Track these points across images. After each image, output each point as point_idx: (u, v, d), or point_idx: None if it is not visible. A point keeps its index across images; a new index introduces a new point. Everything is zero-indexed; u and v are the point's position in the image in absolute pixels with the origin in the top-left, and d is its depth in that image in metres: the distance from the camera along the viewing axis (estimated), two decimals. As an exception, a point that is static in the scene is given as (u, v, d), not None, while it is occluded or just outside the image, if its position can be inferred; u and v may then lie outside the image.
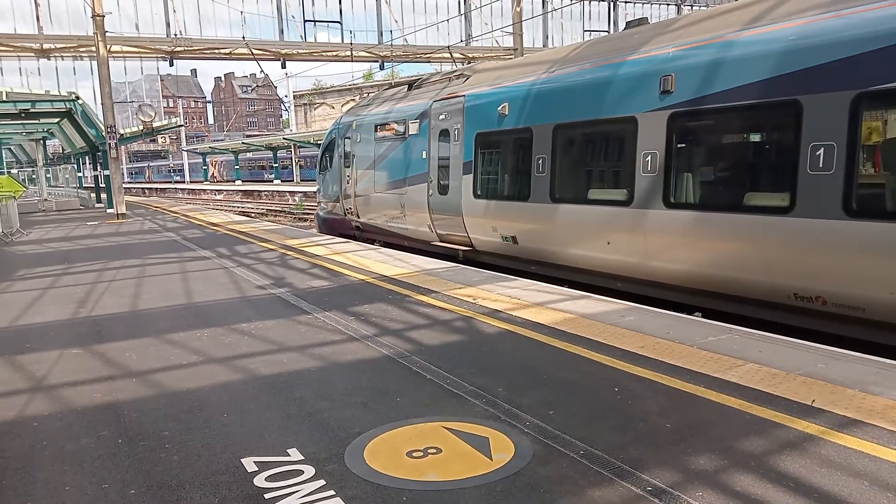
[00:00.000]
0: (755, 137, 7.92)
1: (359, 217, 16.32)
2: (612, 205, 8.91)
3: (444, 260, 11.86)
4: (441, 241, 13.19)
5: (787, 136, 6.98)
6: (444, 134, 12.78)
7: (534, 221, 10.45)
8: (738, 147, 8.09)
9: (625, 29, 10.91)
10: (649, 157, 8.32)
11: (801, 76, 6.74)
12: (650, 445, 3.96)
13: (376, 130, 15.33)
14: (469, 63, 29.80)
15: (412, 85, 15.42)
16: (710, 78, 7.67)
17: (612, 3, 35.44)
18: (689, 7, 35.43)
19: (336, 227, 17.59)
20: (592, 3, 35.04)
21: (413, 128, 13.82)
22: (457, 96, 12.57)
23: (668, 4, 36.41)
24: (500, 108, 11.16)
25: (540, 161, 10.23)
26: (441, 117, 12.90)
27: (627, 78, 8.79)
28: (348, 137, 16.80)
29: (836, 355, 5.50)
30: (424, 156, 13.38)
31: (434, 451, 4.02)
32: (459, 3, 32.25)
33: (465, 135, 12.08)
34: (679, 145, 8.12)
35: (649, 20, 10.61)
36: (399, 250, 13.39)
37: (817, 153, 6.52)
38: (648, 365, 5.39)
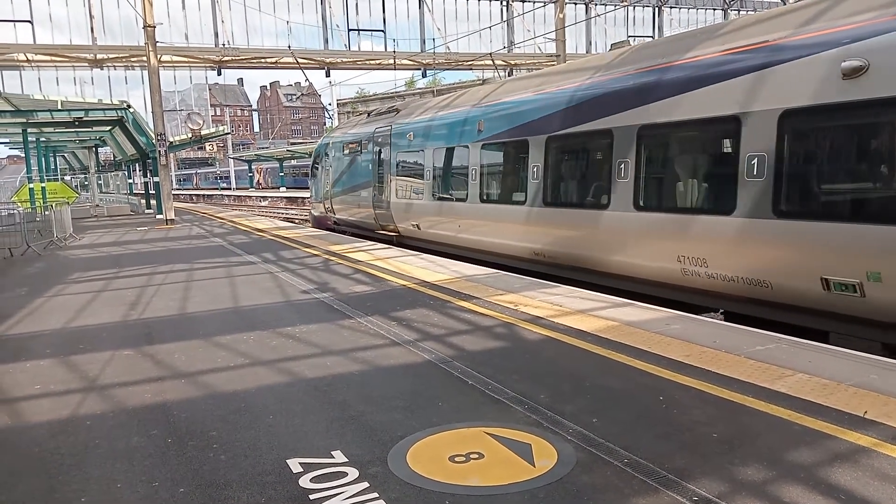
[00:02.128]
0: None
1: (335, 214, 21.11)
2: (460, 201, 13.60)
3: (385, 244, 15.78)
4: (381, 230, 17.69)
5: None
6: (380, 153, 17.53)
7: (426, 213, 14.98)
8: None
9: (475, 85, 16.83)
10: (475, 169, 13.06)
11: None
12: (696, 455, 3.91)
13: (344, 148, 20.38)
14: (510, 70, 29.78)
15: (370, 114, 20.42)
16: (498, 121, 12.47)
17: (656, 9, 35.08)
18: (736, 12, 34.86)
19: (322, 222, 22.43)
20: (637, 8, 34.72)
21: (364, 147, 18.71)
22: (387, 126, 17.38)
23: (714, 9, 35.90)
24: (408, 135, 16.02)
25: (427, 172, 14.91)
26: (379, 140, 17.70)
27: (463, 122, 13.63)
28: (327, 154, 21.83)
29: (890, 366, 5.35)
30: (370, 168, 18.06)
31: (476, 456, 4.03)
32: (502, 10, 32.30)
33: (391, 154, 16.84)
34: (484, 163, 12.95)
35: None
36: (359, 238, 17.50)
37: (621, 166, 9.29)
38: (694, 374, 5.31)
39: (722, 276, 7.94)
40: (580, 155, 10.69)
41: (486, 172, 12.85)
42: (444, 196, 14.26)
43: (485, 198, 12.80)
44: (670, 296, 8.69)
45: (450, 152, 14.11)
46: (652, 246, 8.87)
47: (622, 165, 9.18)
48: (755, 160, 7.37)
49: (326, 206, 21.57)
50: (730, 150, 7.86)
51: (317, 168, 22.91)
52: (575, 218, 10.30)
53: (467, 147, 13.22)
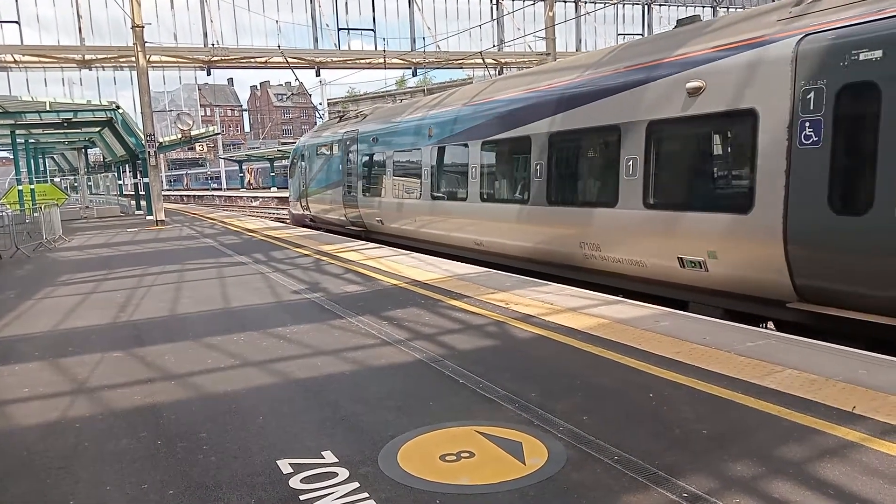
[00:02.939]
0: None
1: (311, 211, 22.31)
2: (416, 199, 15.05)
3: (357, 239, 17.17)
4: (350, 226, 19.06)
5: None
6: (348, 154, 18.99)
7: (389, 210, 16.57)
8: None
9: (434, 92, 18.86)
10: (428, 170, 14.55)
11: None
12: (686, 452, 3.92)
13: (317, 150, 21.78)
14: (500, 69, 29.79)
15: (342, 118, 21.98)
16: (444, 126, 14.14)
17: (646, 6, 35.15)
18: (726, 9, 34.97)
19: (300, 219, 23.72)
20: (626, 6, 34.79)
21: (335, 149, 20.10)
22: (354, 130, 18.90)
23: (703, 7, 35.99)
24: (372, 139, 17.67)
25: (388, 172, 16.57)
26: (347, 143, 19.15)
27: (417, 127, 15.32)
28: (302, 155, 23.18)
29: (878, 361, 5.38)
30: (340, 168, 19.44)
31: (467, 455, 4.03)
32: (492, 8, 32.29)
33: (357, 156, 18.39)
34: (435, 164, 14.37)
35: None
36: (333, 233, 18.92)
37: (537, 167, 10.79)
38: (684, 370, 5.33)
39: (612, 259, 9.51)
40: (507, 156, 12.26)
41: (437, 172, 14.31)
42: (404, 194, 15.81)
43: (437, 195, 14.23)
44: (575, 276, 10.31)
45: (406, 154, 15.76)
46: (561, 233, 10.49)
47: (538, 166, 10.81)
48: (631, 162, 9.00)
49: (303, 205, 22.93)
50: (615, 154, 9.32)
51: (294, 169, 24.40)
52: (505, 212, 11.85)
53: (420, 150, 14.89)
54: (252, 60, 28.43)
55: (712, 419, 4.36)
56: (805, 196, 6.93)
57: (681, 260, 8.35)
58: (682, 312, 7.50)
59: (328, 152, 20.64)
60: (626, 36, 33.24)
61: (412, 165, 15.36)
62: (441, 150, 14.16)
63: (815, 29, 7.02)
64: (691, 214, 8.17)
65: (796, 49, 7.07)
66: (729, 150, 8.42)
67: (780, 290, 7.34)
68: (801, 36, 7.10)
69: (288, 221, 27.13)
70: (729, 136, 8.28)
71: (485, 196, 12.54)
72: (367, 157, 17.92)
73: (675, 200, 8.56)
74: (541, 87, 11.28)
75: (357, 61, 29.37)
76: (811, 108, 6.93)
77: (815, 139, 6.90)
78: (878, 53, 6.41)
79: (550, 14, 29.68)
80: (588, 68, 10.35)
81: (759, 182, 7.38)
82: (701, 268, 8.11)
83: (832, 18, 6.96)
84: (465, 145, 13.06)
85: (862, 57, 6.55)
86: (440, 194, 14.14)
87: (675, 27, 9.75)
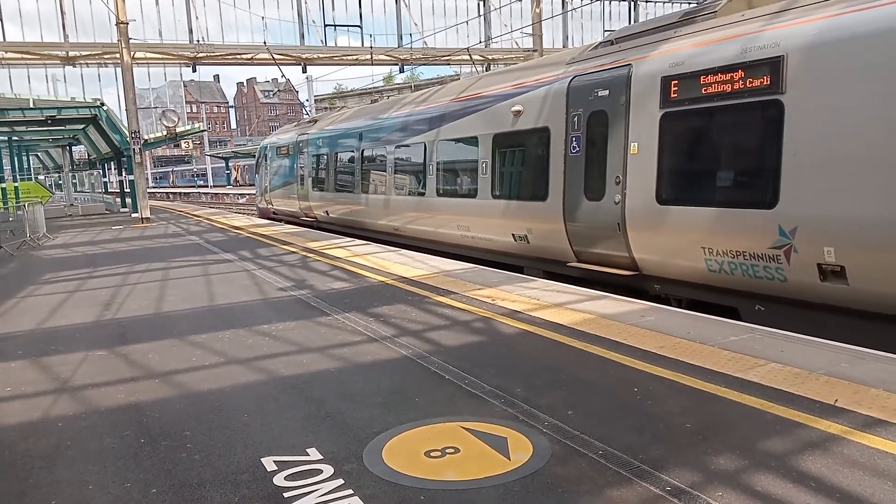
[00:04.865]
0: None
1: (273, 206, 24.99)
2: (352, 192, 17.90)
3: (305, 227, 20.02)
4: (304, 217, 21.83)
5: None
6: (302, 155, 21.73)
7: (334, 203, 19.35)
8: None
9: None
10: (359, 168, 17.52)
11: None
12: (670, 445, 3.94)
13: (278, 151, 24.53)
14: (487, 64, 29.78)
15: (298, 123, 25.38)
16: (372, 133, 17.05)
17: (632, 3, 35.23)
18: (711, 5, 35.03)
19: (265, 212, 26.29)
20: (613, 2, 34.84)
21: (290, 150, 22.86)
22: (306, 133, 21.76)
23: (689, 4, 36.08)
24: (319, 141, 20.50)
25: (332, 171, 19.40)
26: (300, 145, 21.99)
27: (352, 134, 18.21)
28: (265, 155, 25.94)
29: (860, 354, 5.42)
30: (296, 167, 22.24)
31: (452, 450, 4.03)
32: (479, 4, 32.23)
33: (308, 157, 21.22)
34: (365, 163, 17.33)
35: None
36: (294, 225, 20.95)
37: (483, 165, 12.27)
38: (668, 365, 5.35)
39: (481, 238, 12.25)
40: (413, 158, 14.77)
41: (365, 170, 17.27)
42: (344, 189, 18.68)
43: (365, 190, 17.18)
44: (457, 251, 12.86)
45: (344, 156, 18.79)
46: (447, 219, 13.20)
47: (430, 166, 13.77)
48: (484, 163, 11.96)
49: (267, 199, 25.79)
50: (475, 156, 12.19)
51: (258, 167, 27.34)
52: (413, 202, 14.70)
53: (354, 153, 18.05)
54: (238, 57, 28.23)
55: (696, 413, 4.39)
56: (573, 188, 9.75)
57: (514, 235, 11.23)
58: (665, 307, 7.55)
59: (286, 153, 23.45)
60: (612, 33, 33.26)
61: (349, 165, 18.28)
62: (370, 153, 16.99)
63: (579, 73, 9.87)
64: (517, 202, 11.12)
65: (568, 87, 9.94)
66: (537, 155, 10.64)
67: (566, 254, 10.12)
68: (572, 78, 9.94)
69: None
70: (536, 145, 10.66)
71: (399, 190, 15.33)
72: (315, 158, 20.75)
73: (509, 192, 11.45)
74: (431, 105, 14.41)
75: (344, 58, 29.24)
76: (575, 127, 9.75)
77: (577, 149, 9.71)
78: (607, 91, 9.21)
79: (537, 10, 29.69)
80: (462, 91, 13.53)
81: (550, 178, 10.19)
82: (526, 241, 10.98)
83: (587, 66, 9.79)
84: (385, 149, 16.06)
85: (599, 94, 9.36)
86: (369, 189, 16.92)
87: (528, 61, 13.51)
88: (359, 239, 15.76)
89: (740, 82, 7.38)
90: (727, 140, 7.89)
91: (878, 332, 6.28)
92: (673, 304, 8.31)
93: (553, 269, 10.50)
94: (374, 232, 16.85)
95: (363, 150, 17.35)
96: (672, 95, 8.22)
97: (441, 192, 13.42)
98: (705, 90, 7.77)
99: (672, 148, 8.32)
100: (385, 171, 15.93)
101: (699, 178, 8.17)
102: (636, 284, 9.00)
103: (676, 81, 8.16)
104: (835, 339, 5.89)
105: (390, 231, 15.89)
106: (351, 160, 18.15)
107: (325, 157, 19.98)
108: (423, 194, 14.03)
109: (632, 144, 8.73)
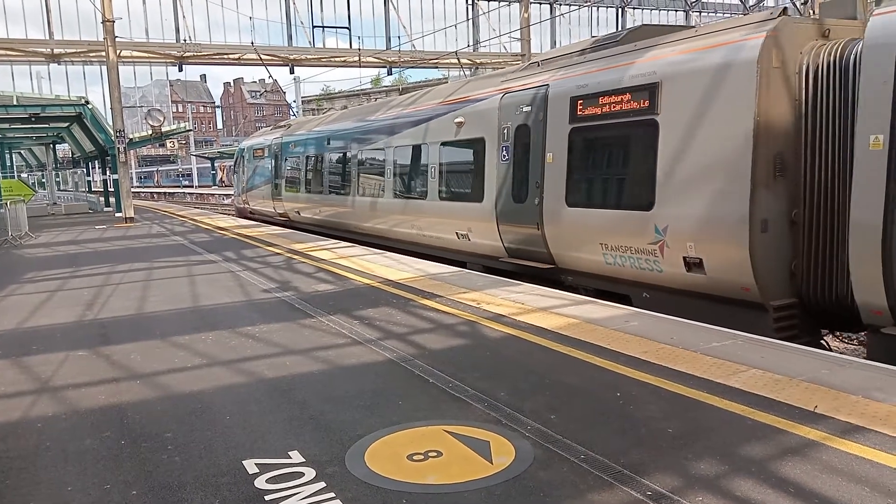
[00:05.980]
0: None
1: (250, 205, 25.98)
2: (319, 194, 19.09)
3: (284, 227, 20.35)
4: (278, 216, 22.90)
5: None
6: (276, 158, 22.80)
7: (304, 203, 20.39)
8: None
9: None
10: (326, 170, 18.73)
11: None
12: (651, 450, 3.96)
13: (254, 153, 25.42)
14: (475, 69, 29.83)
15: (274, 126, 26.05)
16: (338, 139, 18.46)
17: (620, 9, 35.44)
18: (698, 14, 35.37)
19: (242, 212, 27.23)
20: (601, 8, 35.03)
21: (267, 153, 23.87)
22: (280, 137, 22.83)
23: (676, 10, 36.38)
24: (291, 145, 21.57)
25: (302, 173, 20.54)
26: (275, 148, 23.02)
27: (320, 138, 19.43)
28: (243, 157, 26.73)
29: (840, 361, 5.48)
30: (271, 169, 23.29)
31: (435, 454, 4.03)
32: (467, 8, 32.31)
33: (281, 159, 22.35)
34: (331, 167, 18.48)
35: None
36: (271, 225, 21.62)
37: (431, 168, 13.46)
38: (651, 370, 5.38)
39: (431, 236, 13.35)
40: (374, 163, 15.97)
41: (331, 172, 18.43)
42: (312, 190, 19.76)
43: (330, 192, 18.38)
44: (412, 248, 14.00)
45: (313, 159, 19.82)
46: (403, 219, 14.33)
47: (388, 171, 15.03)
48: (433, 168, 13.13)
49: (244, 199, 26.77)
50: (424, 161, 13.46)
51: (237, 168, 28.29)
52: (372, 204, 15.83)
53: (322, 156, 19.13)
54: (225, 57, 28.14)
55: (678, 418, 4.41)
56: (501, 191, 11.06)
57: (457, 234, 12.41)
58: (649, 312, 7.59)
59: (262, 155, 24.55)
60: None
61: (318, 168, 19.40)
62: (336, 157, 18.14)
63: (508, 90, 11.15)
64: (460, 204, 12.34)
65: (500, 102, 11.24)
66: (476, 161, 11.88)
67: (499, 250, 11.38)
68: (503, 94, 11.23)
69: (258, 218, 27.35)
70: (475, 153, 11.92)
71: (362, 192, 16.43)
72: (287, 160, 22.01)
73: (453, 195, 12.69)
74: (389, 114, 15.66)
75: (332, 59, 29.21)
76: (505, 138, 11.04)
77: (507, 157, 11.00)
78: (530, 108, 10.47)
79: (525, 15, 29.80)
80: (413, 102, 14.87)
81: (486, 182, 11.45)
82: (467, 239, 12.15)
83: (516, 85, 11.05)
84: (346, 154, 17.43)
85: (524, 109, 10.63)
86: (335, 191, 18.08)
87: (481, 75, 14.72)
88: (329, 238, 16.51)
89: (628, 103, 8.72)
90: (618, 152, 9.28)
91: (728, 315, 7.44)
92: (581, 293, 9.37)
93: (489, 264, 11.65)
94: (342, 231, 17.82)
95: (330, 155, 18.61)
96: (578, 112, 9.53)
97: (397, 193, 14.60)
98: (602, 109, 9.12)
99: (577, 158, 9.60)
100: (349, 175, 17.14)
101: (597, 184, 9.58)
102: (554, 276, 10.24)
103: (581, 101, 9.46)
104: (701, 321, 7.00)
105: (353, 230, 17.11)
106: (319, 164, 19.29)
107: (297, 160, 21.08)
108: (382, 196, 15.31)
109: (548, 154, 10.04)
